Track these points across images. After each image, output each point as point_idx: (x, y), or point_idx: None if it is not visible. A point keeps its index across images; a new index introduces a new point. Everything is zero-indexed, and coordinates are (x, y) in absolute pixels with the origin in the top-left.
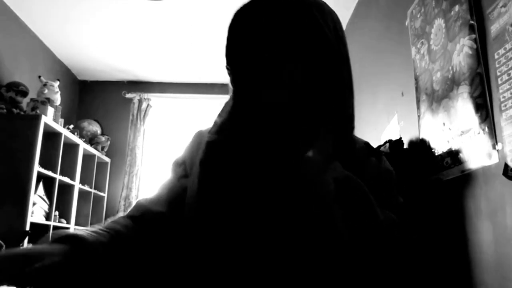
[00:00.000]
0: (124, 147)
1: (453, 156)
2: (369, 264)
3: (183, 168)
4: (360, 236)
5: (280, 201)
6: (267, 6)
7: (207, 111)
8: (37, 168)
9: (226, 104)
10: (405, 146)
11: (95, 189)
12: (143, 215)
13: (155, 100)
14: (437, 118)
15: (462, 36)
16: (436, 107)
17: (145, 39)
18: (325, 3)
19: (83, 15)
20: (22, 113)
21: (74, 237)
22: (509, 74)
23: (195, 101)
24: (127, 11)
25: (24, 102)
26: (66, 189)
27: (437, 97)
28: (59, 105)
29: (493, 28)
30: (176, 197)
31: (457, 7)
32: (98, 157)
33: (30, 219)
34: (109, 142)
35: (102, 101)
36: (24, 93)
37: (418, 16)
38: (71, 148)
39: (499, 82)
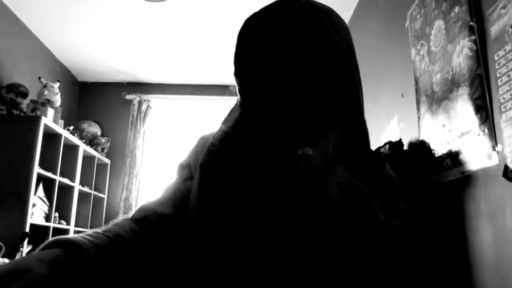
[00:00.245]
0: (124, 149)
1: (453, 157)
2: (370, 266)
3: (188, 171)
4: (362, 239)
5: (282, 203)
6: (279, 15)
7: (207, 113)
8: (37, 169)
9: (233, 110)
10: (405, 147)
11: (95, 190)
12: (147, 217)
13: (155, 101)
14: (437, 119)
15: (462, 38)
16: (436, 109)
17: (145, 40)
18: (333, 10)
19: (82, 16)
20: (22, 114)
21: (67, 242)
22: (509, 76)
23: (195, 102)
24: (127, 13)
25: (24, 103)
26: (66, 191)
27: (437, 99)
28: (59, 106)
29: (493, 30)
30: (181, 199)
31: (457, 9)
32: (98, 158)
33: (30, 220)
34: (109, 144)
35: (102, 102)
36: (24, 95)
37: (418, 17)
38: (71, 149)
39: (499, 83)
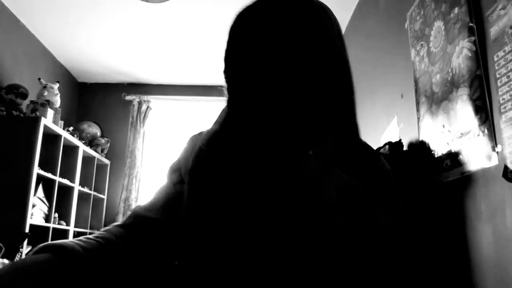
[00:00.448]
0: (124, 149)
1: (453, 158)
2: (369, 267)
3: (178, 174)
4: (361, 240)
5: (278, 204)
6: (272, 8)
7: (207, 113)
8: (36, 170)
9: (223, 111)
10: (405, 148)
11: (94, 191)
12: (137, 223)
13: (155, 102)
14: (436, 120)
15: (462, 39)
16: (435, 109)
17: (144, 41)
18: (327, 7)
19: (82, 17)
20: (22, 115)
21: (57, 247)
22: (508, 76)
23: (195, 103)
24: (127, 13)
25: (24, 104)
26: (65, 191)
27: (437, 99)
28: (59, 107)
29: (493, 31)
30: (171, 203)
31: (456, 10)
32: (98, 159)
33: (30, 221)
34: (108, 144)
35: (102, 103)
36: (24, 95)
37: (418, 18)
38: (70, 150)
39: (499, 84)
